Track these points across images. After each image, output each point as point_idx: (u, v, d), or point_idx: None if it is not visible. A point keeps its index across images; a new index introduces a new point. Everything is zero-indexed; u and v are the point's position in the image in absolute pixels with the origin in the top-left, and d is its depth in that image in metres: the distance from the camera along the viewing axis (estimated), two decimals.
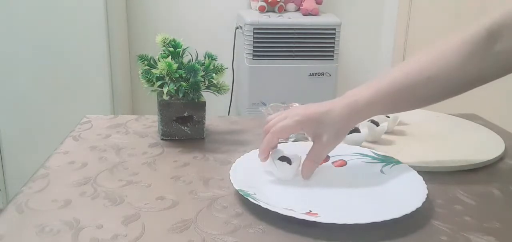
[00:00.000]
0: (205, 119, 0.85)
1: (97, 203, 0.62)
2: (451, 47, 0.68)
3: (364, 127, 0.83)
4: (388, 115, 0.90)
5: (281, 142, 0.82)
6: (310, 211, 0.60)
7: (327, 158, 0.75)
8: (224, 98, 2.10)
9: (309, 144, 0.80)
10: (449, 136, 0.90)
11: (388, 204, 0.61)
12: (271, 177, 0.69)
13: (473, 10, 2.12)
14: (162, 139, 0.85)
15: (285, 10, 2.26)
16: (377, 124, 0.84)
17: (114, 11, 2.01)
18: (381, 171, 0.71)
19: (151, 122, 0.95)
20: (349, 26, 2.43)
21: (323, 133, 0.68)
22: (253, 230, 0.57)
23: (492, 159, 0.78)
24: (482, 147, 0.84)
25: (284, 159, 0.69)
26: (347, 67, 2.52)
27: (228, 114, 2.38)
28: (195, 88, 0.82)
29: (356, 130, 0.81)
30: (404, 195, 0.63)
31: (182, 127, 0.84)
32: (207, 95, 0.86)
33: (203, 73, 0.83)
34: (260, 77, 2.08)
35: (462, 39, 0.67)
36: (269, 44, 2.05)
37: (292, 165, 0.68)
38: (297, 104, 0.86)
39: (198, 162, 0.76)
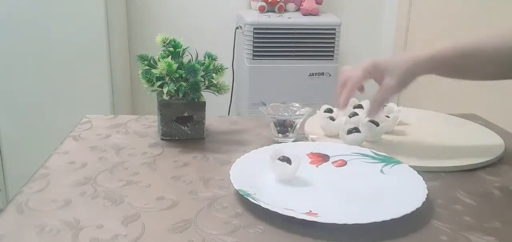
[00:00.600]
0: (205, 119, 0.85)
1: (97, 203, 0.62)
2: (504, 32, 0.74)
3: (364, 126, 0.83)
4: (388, 115, 0.90)
5: (281, 143, 0.82)
6: (310, 211, 0.60)
7: (326, 158, 0.75)
8: (224, 98, 2.10)
9: (309, 144, 0.80)
10: (449, 136, 0.90)
11: (388, 204, 0.61)
12: (271, 177, 0.69)
13: (473, 10, 2.12)
14: (162, 139, 0.85)
15: (285, 10, 2.26)
16: (377, 124, 0.84)
17: (114, 11, 2.01)
18: (381, 171, 0.71)
19: (151, 121, 0.95)
20: (349, 26, 2.43)
21: (387, 76, 0.76)
22: (253, 230, 0.57)
23: (492, 159, 0.78)
24: (482, 147, 0.84)
25: (284, 159, 0.69)
26: None
27: (228, 114, 2.38)
28: (195, 88, 0.82)
29: (356, 130, 0.81)
30: (404, 195, 0.63)
31: (182, 127, 0.84)
32: (207, 95, 0.86)
33: (203, 73, 0.83)
34: (260, 77, 2.08)
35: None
36: (269, 44, 2.05)
37: (292, 165, 0.68)
38: (297, 105, 0.86)
39: (198, 162, 0.76)
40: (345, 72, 0.81)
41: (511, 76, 0.76)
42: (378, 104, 0.78)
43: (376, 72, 0.78)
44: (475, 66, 0.76)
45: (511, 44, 0.72)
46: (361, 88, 0.82)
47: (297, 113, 0.85)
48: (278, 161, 0.69)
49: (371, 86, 0.81)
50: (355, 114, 0.90)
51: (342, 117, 0.89)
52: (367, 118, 0.82)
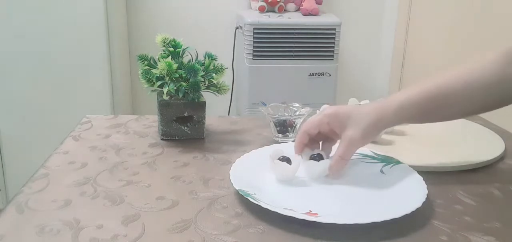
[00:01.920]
0: (205, 119, 0.85)
1: (97, 203, 0.62)
2: (479, 64, 0.69)
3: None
4: None
5: (281, 143, 0.82)
6: (310, 211, 0.60)
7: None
8: (224, 98, 2.10)
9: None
10: (449, 136, 0.90)
11: (388, 204, 0.61)
12: (271, 177, 0.69)
13: (473, 11, 2.12)
14: (162, 139, 0.85)
15: (285, 10, 2.26)
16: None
17: (114, 11, 2.01)
18: (381, 171, 0.71)
19: (151, 121, 0.95)
20: (349, 26, 2.43)
21: (350, 128, 0.67)
22: (253, 230, 0.57)
23: (492, 159, 0.78)
24: (482, 147, 0.84)
25: (284, 159, 0.69)
26: (347, 67, 2.52)
27: (228, 114, 2.38)
28: (195, 88, 0.82)
29: (320, 157, 0.71)
30: (404, 195, 0.63)
31: (182, 127, 0.84)
32: (207, 95, 0.86)
33: (203, 73, 0.83)
34: (260, 77, 2.08)
35: (484, 62, 0.69)
36: (269, 44, 2.05)
37: (292, 165, 0.68)
38: (297, 105, 0.86)
39: (198, 162, 0.76)
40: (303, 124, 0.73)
41: (481, 111, 0.73)
42: (343, 159, 0.68)
43: (336, 120, 0.69)
44: (444, 108, 0.70)
45: (482, 79, 0.68)
46: (311, 141, 0.72)
47: (297, 113, 0.85)
48: (278, 161, 0.69)
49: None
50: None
51: None
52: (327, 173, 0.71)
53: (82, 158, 0.76)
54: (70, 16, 1.90)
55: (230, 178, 0.65)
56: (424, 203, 0.59)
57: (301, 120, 0.84)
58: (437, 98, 0.69)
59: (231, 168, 0.68)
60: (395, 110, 0.68)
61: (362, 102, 0.97)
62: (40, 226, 0.56)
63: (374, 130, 0.69)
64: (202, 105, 0.84)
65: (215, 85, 0.86)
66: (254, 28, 2.03)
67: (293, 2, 2.27)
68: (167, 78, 0.81)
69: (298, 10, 2.27)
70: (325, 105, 0.78)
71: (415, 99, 0.68)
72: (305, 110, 0.85)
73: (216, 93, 0.87)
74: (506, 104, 0.70)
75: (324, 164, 0.68)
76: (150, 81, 0.82)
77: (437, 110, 0.70)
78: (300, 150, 0.71)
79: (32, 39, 1.89)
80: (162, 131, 0.84)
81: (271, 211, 0.57)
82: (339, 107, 0.70)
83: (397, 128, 0.92)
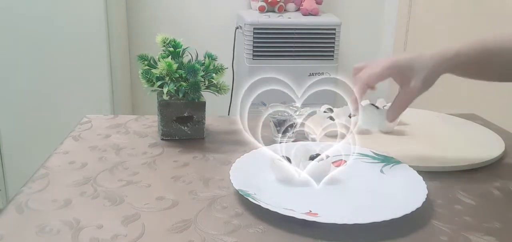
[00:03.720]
0: (205, 120, 0.85)
1: (97, 203, 0.62)
2: None
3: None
4: None
5: (282, 142, 0.82)
6: (310, 211, 0.60)
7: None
8: (224, 98, 2.10)
9: (309, 144, 0.80)
10: (449, 136, 0.90)
11: (388, 204, 0.61)
12: (271, 177, 0.69)
13: (473, 11, 2.12)
14: (162, 139, 0.85)
15: (285, 10, 2.26)
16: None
17: (114, 11, 2.01)
18: (381, 171, 0.71)
19: (151, 121, 0.95)
20: (349, 26, 2.43)
21: (412, 78, 0.68)
22: (253, 230, 0.57)
23: (492, 159, 0.78)
24: (482, 147, 0.84)
25: (284, 159, 0.69)
26: (347, 67, 2.51)
27: (228, 115, 2.38)
28: (195, 88, 0.82)
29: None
30: (404, 195, 0.63)
31: (182, 127, 0.84)
32: (207, 95, 0.86)
33: (203, 73, 0.83)
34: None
35: None
36: (269, 44, 2.05)
37: (292, 165, 0.68)
38: (297, 105, 0.86)
39: (198, 162, 0.76)
40: (358, 67, 0.73)
41: None
42: (401, 108, 0.71)
43: (398, 72, 0.70)
44: (500, 65, 0.73)
45: None
46: (374, 87, 0.73)
47: (297, 113, 0.85)
48: (278, 161, 0.69)
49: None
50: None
51: (342, 117, 0.89)
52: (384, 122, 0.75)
53: (82, 158, 0.76)
54: (70, 16, 1.90)
55: (230, 178, 0.65)
56: (424, 203, 0.59)
57: (301, 120, 0.84)
58: (492, 52, 0.72)
59: (231, 168, 0.68)
60: (452, 57, 0.70)
61: (362, 103, 0.97)
62: (40, 226, 0.56)
63: (434, 76, 0.70)
64: (202, 105, 0.84)
65: (215, 85, 0.86)
66: (254, 28, 2.03)
67: (293, 2, 2.27)
68: (167, 78, 0.81)
69: (298, 10, 2.27)
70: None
71: (471, 48, 0.71)
72: (305, 110, 0.85)
73: (216, 93, 0.87)
74: None
75: (295, 165, 0.68)
76: (150, 81, 0.82)
77: (489, 65, 0.73)
78: (357, 104, 0.71)
79: (32, 39, 1.89)
80: (162, 131, 0.84)
81: (271, 211, 0.57)
82: (400, 57, 0.70)
83: (397, 128, 0.92)
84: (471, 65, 0.73)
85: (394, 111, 0.71)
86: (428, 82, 0.70)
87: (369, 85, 0.71)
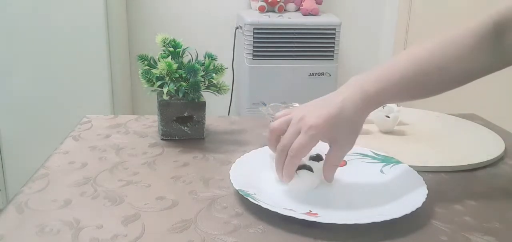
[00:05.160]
0: (205, 120, 0.85)
1: (97, 203, 0.62)
2: (459, 37, 0.67)
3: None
4: (388, 115, 0.90)
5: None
6: (310, 211, 0.60)
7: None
8: (224, 98, 2.10)
9: None
10: (449, 136, 0.90)
11: (388, 204, 0.61)
12: (271, 177, 0.69)
13: (473, 11, 2.12)
14: (162, 139, 0.85)
15: (285, 10, 2.26)
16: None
17: (114, 11, 2.01)
18: (381, 171, 0.71)
19: (151, 121, 0.95)
20: (349, 26, 2.43)
21: (339, 135, 0.63)
22: (253, 230, 0.57)
23: (492, 159, 0.78)
24: (482, 147, 0.84)
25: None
26: (347, 67, 2.52)
27: (228, 115, 2.38)
28: (195, 88, 0.82)
29: (307, 168, 0.66)
30: (404, 195, 0.63)
31: (182, 127, 0.84)
32: (207, 95, 0.86)
33: (203, 73, 0.83)
34: (260, 77, 2.08)
35: (470, 31, 0.66)
36: (269, 44, 2.06)
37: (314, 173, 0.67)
38: (297, 105, 0.86)
39: (198, 162, 0.76)
40: (275, 127, 0.66)
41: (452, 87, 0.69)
42: (335, 165, 0.65)
43: (325, 135, 0.63)
44: (421, 92, 0.68)
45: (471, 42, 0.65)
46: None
47: None
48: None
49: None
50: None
51: None
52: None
53: (82, 158, 0.76)
54: (70, 16, 1.90)
55: (230, 178, 0.65)
56: (424, 203, 0.59)
57: None
58: (412, 86, 0.66)
59: (231, 168, 0.68)
60: (376, 96, 0.64)
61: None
62: (40, 226, 0.56)
63: (361, 123, 0.64)
64: (202, 105, 0.84)
65: (215, 85, 0.86)
66: (254, 28, 2.03)
67: (293, 2, 2.27)
68: (167, 78, 0.81)
69: (298, 10, 2.27)
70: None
71: (394, 82, 0.65)
72: None
73: (216, 93, 0.87)
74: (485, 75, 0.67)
75: (315, 175, 0.65)
76: (150, 81, 0.82)
77: (413, 93, 0.67)
78: (290, 179, 0.64)
79: (32, 39, 1.89)
80: (162, 131, 0.84)
81: (271, 211, 0.57)
82: (323, 120, 0.62)
83: (397, 127, 0.92)
84: (396, 98, 0.67)
85: (330, 169, 0.65)
86: (355, 131, 0.64)
87: (301, 158, 0.63)
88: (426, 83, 0.67)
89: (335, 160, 0.65)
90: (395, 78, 0.65)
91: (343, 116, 0.62)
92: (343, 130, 0.63)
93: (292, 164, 0.63)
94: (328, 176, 0.66)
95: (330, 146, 0.64)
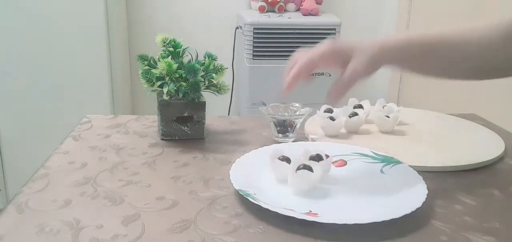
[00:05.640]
0: (205, 119, 0.85)
1: (97, 203, 0.62)
2: (482, 28, 0.69)
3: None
4: (388, 115, 0.90)
5: (281, 142, 0.82)
6: (310, 211, 0.60)
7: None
8: (224, 98, 2.10)
9: (309, 144, 0.80)
10: (449, 136, 0.90)
11: (388, 204, 0.61)
12: (271, 177, 0.69)
13: (473, 11, 2.12)
14: (162, 139, 0.85)
15: (285, 10, 2.26)
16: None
17: (114, 11, 2.01)
18: (381, 171, 0.71)
19: (151, 121, 0.95)
20: (349, 26, 2.43)
21: (354, 57, 0.66)
22: (253, 230, 0.57)
23: (492, 159, 0.78)
24: (482, 147, 0.84)
25: (284, 159, 0.69)
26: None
27: (228, 114, 2.38)
28: (195, 88, 0.82)
29: (307, 168, 0.66)
30: (404, 195, 0.63)
31: (182, 127, 0.84)
32: (207, 95, 0.86)
33: (203, 73, 0.83)
34: (260, 77, 2.08)
35: (495, 25, 0.68)
36: (269, 44, 2.06)
37: (291, 164, 0.68)
38: (297, 105, 0.86)
39: (198, 162, 0.76)
40: (298, 54, 0.72)
41: (475, 75, 0.72)
42: (343, 87, 0.67)
43: (337, 56, 0.68)
44: (442, 60, 0.70)
45: (482, 44, 0.68)
46: (310, 75, 0.71)
47: (297, 113, 0.85)
48: (278, 160, 0.69)
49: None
50: (355, 114, 0.90)
51: (342, 117, 0.89)
52: (325, 104, 0.75)
53: (82, 158, 0.76)
54: (70, 16, 1.90)
55: (230, 178, 0.65)
56: (424, 203, 0.59)
57: (301, 120, 0.84)
58: (438, 45, 0.69)
59: (231, 168, 0.68)
60: (391, 48, 0.68)
61: (362, 103, 0.97)
62: (40, 226, 0.56)
63: (374, 63, 0.67)
64: (202, 105, 0.84)
65: (215, 85, 0.86)
66: (254, 28, 2.03)
67: (293, 2, 2.27)
68: (167, 78, 0.81)
69: (298, 10, 2.27)
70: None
71: (417, 39, 0.69)
72: (305, 110, 0.85)
73: (216, 93, 0.87)
74: (498, 77, 0.71)
75: (295, 166, 0.66)
76: (150, 81, 0.82)
77: (436, 57, 0.70)
78: (293, 86, 0.71)
79: (32, 39, 1.89)
80: (162, 131, 0.84)
81: (271, 211, 0.57)
82: (342, 41, 0.69)
83: (397, 127, 0.92)
84: (412, 58, 0.70)
85: (338, 88, 0.67)
86: (369, 68, 0.67)
87: (309, 66, 0.69)
88: (448, 53, 0.69)
89: (345, 81, 0.67)
90: (418, 37, 0.69)
91: (360, 44, 0.67)
92: (357, 54, 0.67)
93: (295, 72, 0.71)
94: (333, 96, 0.67)
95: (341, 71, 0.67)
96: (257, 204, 0.59)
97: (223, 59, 0.89)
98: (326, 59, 0.69)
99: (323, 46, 0.68)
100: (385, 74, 2.57)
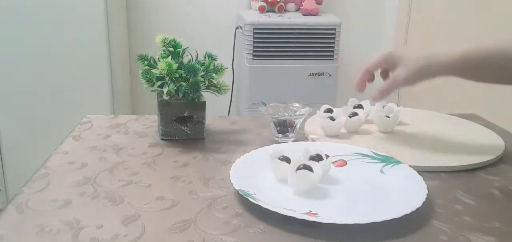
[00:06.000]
0: (205, 119, 0.85)
1: (97, 203, 0.62)
2: None
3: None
4: (388, 115, 0.90)
5: (281, 142, 0.82)
6: (310, 211, 0.60)
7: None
8: (224, 98, 2.10)
9: (309, 144, 0.80)
10: (449, 136, 0.90)
11: (388, 204, 0.61)
12: (271, 177, 0.69)
13: (473, 11, 2.12)
14: (162, 139, 0.85)
15: (285, 10, 2.26)
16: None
17: (114, 11, 2.01)
18: (381, 171, 0.71)
19: (151, 122, 0.95)
20: (349, 26, 2.43)
21: (398, 66, 0.77)
22: (253, 230, 0.57)
23: (492, 159, 0.78)
24: (482, 147, 0.84)
25: (284, 159, 0.69)
26: (347, 67, 2.52)
27: (228, 114, 2.38)
28: (195, 88, 0.82)
29: (307, 168, 0.66)
30: (404, 195, 0.63)
31: (182, 127, 0.84)
32: (207, 95, 0.86)
33: (203, 73, 0.83)
34: (260, 77, 2.08)
35: None
36: (269, 44, 2.05)
37: (291, 164, 0.68)
38: (297, 105, 0.86)
39: (198, 162, 0.76)
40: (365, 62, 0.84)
41: None
42: (385, 91, 0.79)
43: (391, 61, 0.79)
44: (497, 71, 0.75)
45: None
46: (372, 78, 0.83)
47: (297, 113, 0.85)
48: (278, 160, 0.69)
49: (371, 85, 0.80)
50: (355, 114, 0.90)
51: (342, 117, 0.89)
52: (372, 102, 0.87)
53: (82, 158, 0.76)
54: (70, 16, 1.90)
55: (230, 178, 0.65)
56: (424, 203, 0.59)
57: (301, 120, 0.84)
58: (486, 60, 0.74)
59: (231, 168, 0.68)
60: (446, 64, 0.75)
61: (362, 103, 0.97)
62: (40, 226, 0.56)
63: (421, 75, 0.76)
64: (202, 105, 0.84)
65: (215, 85, 0.86)
66: (254, 28, 2.03)
67: (293, 2, 2.27)
68: (167, 78, 0.81)
69: (298, 10, 2.27)
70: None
71: (466, 57, 0.74)
72: (305, 110, 0.85)
73: (216, 93, 0.87)
74: None
75: (295, 165, 0.66)
76: (150, 81, 0.82)
77: (484, 71, 0.75)
78: (362, 88, 0.83)
79: (32, 39, 1.89)
80: (162, 131, 0.84)
81: (271, 211, 0.57)
82: (396, 49, 0.80)
83: (397, 127, 0.92)
84: (465, 73, 0.76)
85: (380, 93, 0.80)
86: (413, 78, 0.76)
87: (369, 71, 0.82)
88: (502, 64, 0.74)
89: (387, 86, 0.79)
90: (467, 53, 0.74)
91: (407, 55, 0.78)
92: (402, 64, 0.77)
93: (361, 75, 0.83)
94: (377, 96, 0.80)
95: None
96: (257, 204, 0.59)
97: (223, 59, 0.89)
98: (380, 65, 0.81)
99: (379, 54, 0.81)
100: None
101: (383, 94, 0.80)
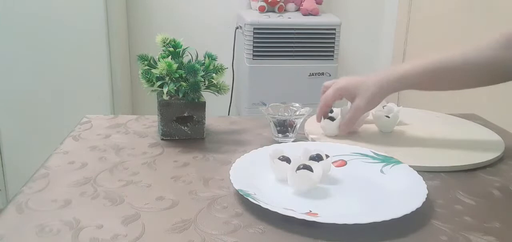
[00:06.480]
0: (205, 119, 0.85)
1: (97, 203, 0.62)
2: (478, 45, 0.79)
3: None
4: (388, 115, 0.90)
5: (281, 142, 0.82)
6: (310, 211, 0.60)
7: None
8: (224, 98, 2.10)
9: (309, 144, 0.80)
10: (449, 136, 0.90)
11: (388, 204, 0.61)
12: (271, 177, 0.69)
13: (474, 10, 2.12)
14: (162, 139, 0.85)
15: (285, 10, 2.26)
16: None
17: (114, 11, 2.01)
18: (381, 171, 0.71)
19: (151, 122, 0.95)
20: (349, 26, 2.43)
21: (357, 98, 0.82)
22: (253, 230, 0.57)
23: (492, 159, 0.78)
24: (482, 147, 0.84)
25: (284, 159, 0.69)
26: (347, 67, 2.52)
27: (228, 115, 2.38)
28: (195, 88, 0.82)
29: (307, 168, 0.65)
30: (404, 195, 0.63)
31: (182, 127, 0.84)
32: (207, 95, 0.86)
33: (203, 73, 0.83)
34: (260, 77, 2.08)
35: (486, 43, 0.79)
36: (269, 44, 2.05)
37: (291, 164, 0.68)
38: (297, 105, 0.86)
39: (198, 162, 0.76)
40: (326, 85, 0.89)
41: (477, 86, 0.81)
42: (349, 123, 0.85)
43: (347, 94, 0.85)
44: (443, 81, 0.80)
45: (480, 60, 0.77)
46: (330, 110, 0.89)
47: (297, 113, 0.85)
48: (278, 160, 0.69)
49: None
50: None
51: (342, 117, 0.89)
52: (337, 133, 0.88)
53: (82, 158, 0.76)
54: (70, 16, 1.90)
55: (230, 178, 0.65)
56: (424, 203, 0.59)
57: (301, 120, 0.84)
58: (437, 72, 0.79)
59: (231, 168, 0.68)
60: (398, 79, 0.81)
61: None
62: (40, 226, 0.56)
63: (377, 98, 0.82)
64: (202, 105, 0.84)
65: (215, 85, 0.86)
66: (254, 28, 2.03)
67: (293, 2, 2.27)
68: (167, 78, 0.81)
69: (298, 10, 2.27)
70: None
71: (417, 71, 0.80)
72: (305, 110, 0.85)
73: (216, 93, 0.87)
74: (500, 82, 0.79)
75: (295, 165, 0.66)
76: (150, 81, 0.82)
77: (437, 82, 0.80)
78: (319, 119, 0.88)
79: (32, 39, 1.89)
80: (162, 131, 0.84)
81: (271, 211, 0.57)
82: (349, 81, 0.85)
83: (397, 128, 0.92)
84: (418, 86, 0.81)
85: (345, 126, 0.85)
86: (371, 102, 0.82)
87: (327, 105, 0.87)
88: (449, 74, 0.79)
89: (349, 118, 0.84)
90: (420, 67, 0.80)
91: (363, 84, 0.82)
92: (360, 94, 0.82)
93: (319, 109, 0.88)
94: (342, 130, 0.85)
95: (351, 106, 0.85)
96: (257, 204, 0.59)
97: (223, 59, 0.89)
98: (336, 98, 0.86)
99: (334, 88, 0.85)
100: None
101: (348, 126, 0.85)
